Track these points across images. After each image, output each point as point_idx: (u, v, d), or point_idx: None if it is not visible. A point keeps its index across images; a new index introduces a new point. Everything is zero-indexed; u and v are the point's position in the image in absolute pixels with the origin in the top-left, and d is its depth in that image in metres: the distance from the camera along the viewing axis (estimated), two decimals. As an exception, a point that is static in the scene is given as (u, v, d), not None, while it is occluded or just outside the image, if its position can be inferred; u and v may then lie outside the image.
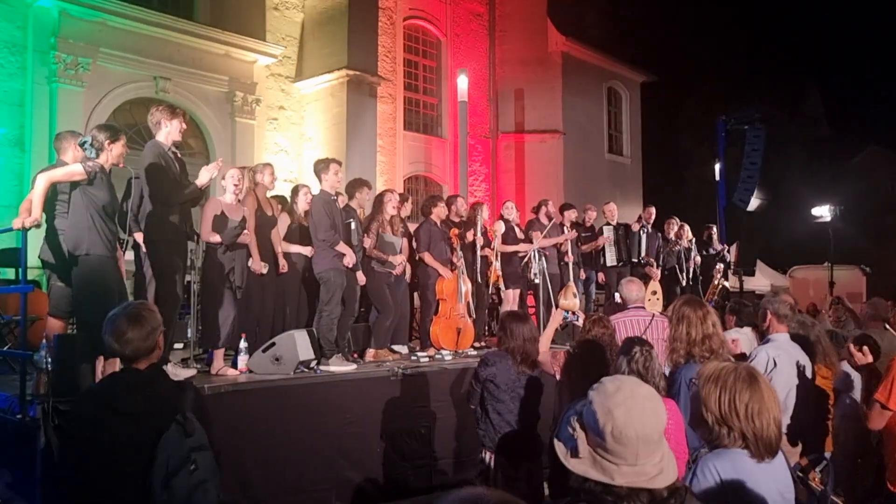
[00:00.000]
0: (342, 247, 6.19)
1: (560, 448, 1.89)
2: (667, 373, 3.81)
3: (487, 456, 4.15)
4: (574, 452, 1.84)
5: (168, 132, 5.18)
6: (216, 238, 5.55)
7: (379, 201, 7.13)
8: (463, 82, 13.79)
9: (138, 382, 2.62)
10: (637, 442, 1.76)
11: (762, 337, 4.69)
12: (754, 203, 13.51)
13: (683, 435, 3.18)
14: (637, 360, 3.24)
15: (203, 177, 5.18)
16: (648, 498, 1.77)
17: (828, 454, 4.68)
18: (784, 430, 4.08)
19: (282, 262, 6.36)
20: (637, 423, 1.77)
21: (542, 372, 4.23)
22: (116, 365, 4.68)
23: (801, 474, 2.90)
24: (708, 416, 2.17)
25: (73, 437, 2.66)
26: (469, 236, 7.78)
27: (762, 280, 18.36)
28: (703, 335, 3.70)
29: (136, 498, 2.48)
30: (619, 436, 1.76)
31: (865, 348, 3.92)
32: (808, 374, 4.40)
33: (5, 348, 6.18)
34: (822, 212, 16.53)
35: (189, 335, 6.34)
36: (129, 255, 6.02)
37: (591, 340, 4.13)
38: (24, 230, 4.34)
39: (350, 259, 6.23)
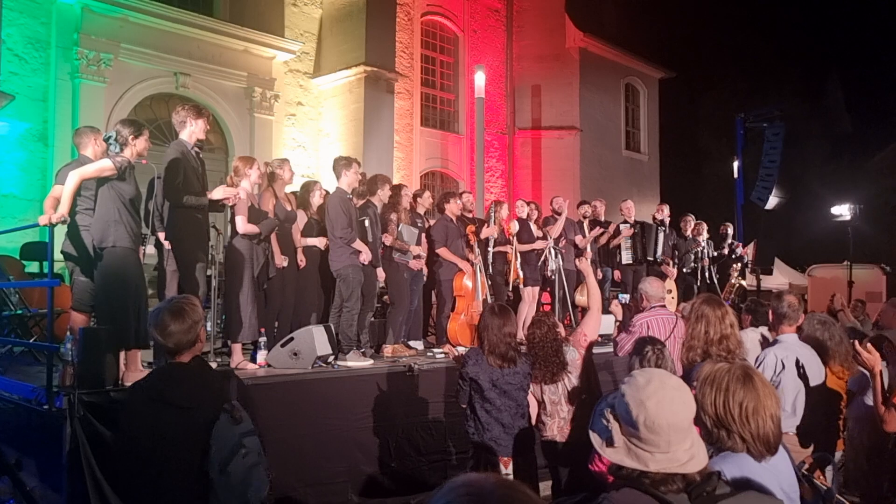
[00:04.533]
0: (358, 244, 6.27)
1: (595, 438, 1.99)
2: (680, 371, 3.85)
3: (476, 454, 4.16)
4: (609, 442, 1.94)
5: (192, 131, 5.26)
6: (255, 229, 5.63)
7: (395, 194, 7.20)
8: (480, 79, 13.80)
9: (185, 375, 2.74)
10: (669, 430, 1.86)
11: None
12: (773, 201, 13.41)
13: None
14: (649, 358, 3.29)
15: (217, 193, 5.30)
16: (683, 483, 1.86)
17: (839, 453, 4.69)
18: (794, 431, 4.11)
19: (300, 257, 6.44)
20: (668, 412, 1.87)
21: (525, 365, 4.21)
22: (138, 357, 4.82)
23: (806, 472, 2.92)
24: (706, 419, 2.19)
25: (128, 430, 2.79)
26: (486, 231, 7.83)
27: (780, 279, 18.21)
28: (720, 335, 3.72)
29: (193, 483, 2.62)
30: (652, 425, 1.85)
31: (871, 347, 3.90)
32: (819, 374, 4.39)
33: (31, 340, 6.31)
34: (842, 210, 16.33)
35: (209, 328, 6.44)
36: (150, 249, 6.14)
37: (530, 344, 4.26)
38: (51, 226, 4.44)
39: (366, 256, 6.31)
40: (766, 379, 2.24)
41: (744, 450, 2.16)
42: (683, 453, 1.88)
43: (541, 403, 4.34)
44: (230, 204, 5.43)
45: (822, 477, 2.94)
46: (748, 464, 2.15)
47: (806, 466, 3.06)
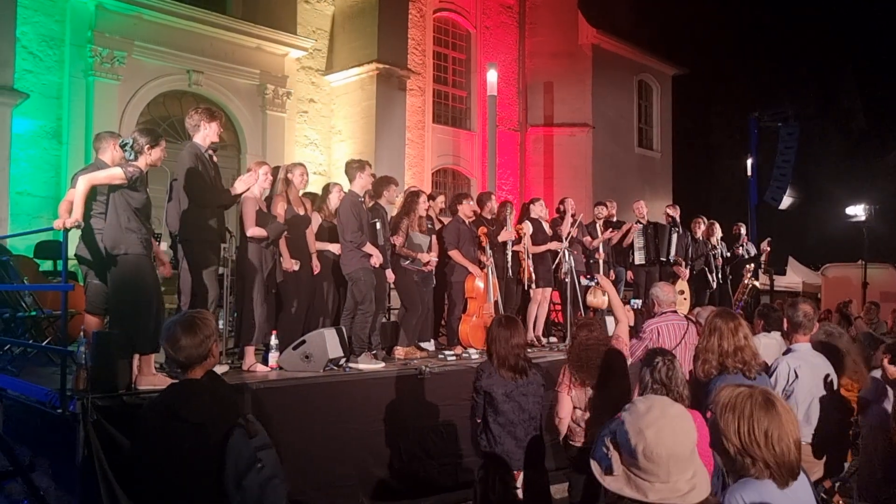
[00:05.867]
0: (369, 247, 6.25)
1: (595, 467, 1.98)
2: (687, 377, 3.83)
3: (486, 466, 4.13)
4: (608, 470, 1.93)
5: (206, 134, 5.29)
6: (262, 233, 5.64)
7: (412, 200, 7.18)
8: (492, 76, 13.75)
9: (198, 391, 2.75)
10: (668, 460, 1.85)
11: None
12: (786, 201, 13.32)
13: (709, 446, 3.19)
14: (660, 370, 3.25)
15: (239, 187, 5.33)
16: None
17: (847, 463, 4.67)
18: (809, 440, 4.09)
19: (315, 262, 6.43)
20: (668, 441, 1.85)
21: (537, 376, 4.16)
22: (151, 361, 4.84)
23: (824, 496, 2.90)
24: (729, 447, 2.14)
25: (144, 446, 2.81)
26: (504, 235, 7.80)
27: (794, 278, 18.08)
28: (734, 347, 3.72)
29: (208, 499, 2.63)
30: (651, 454, 1.84)
31: None
32: (832, 383, 4.36)
33: (45, 342, 6.35)
34: (857, 211, 16.17)
35: (221, 326, 6.44)
36: (163, 246, 6.17)
37: (581, 347, 4.17)
38: (65, 230, 4.47)
39: (377, 259, 6.30)
40: (786, 404, 2.20)
41: (767, 476, 2.12)
42: (684, 483, 1.86)
43: (579, 408, 4.22)
44: (250, 187, 5.45)
45: (840, 502, 2.92)
46: (770, 491, 2.12)
47: (825, 490, 3.04)
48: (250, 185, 5.40)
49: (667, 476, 1.84)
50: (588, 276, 8.44)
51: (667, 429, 1.86)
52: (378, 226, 6.52)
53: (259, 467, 2.65)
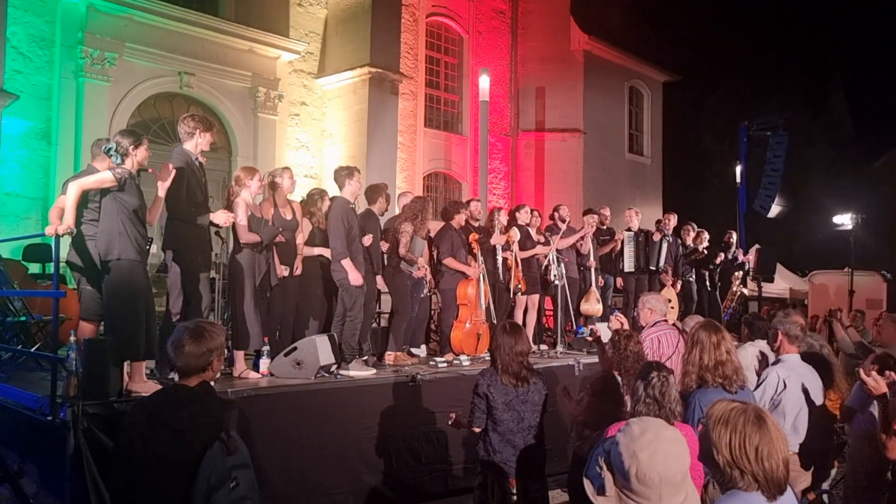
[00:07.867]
0: (346, 262, 6.19)
1: (588, 486, 2.00)
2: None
3: (484, 473, 4.15)
4: (601, 490, 1.96)
5: (199, 142, 5.30)
6: (255, 238, 5.63)
7: (423, 208, 7.21)
8: (485, 82, 13.78)
9: (187, 399, 2.73)
10: (660, 484, 1.87)
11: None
12: (775, 210, 13.41)
13: (697, 458, 3.21)
14: (654, 385, 3.23)
15: (219, 218, 5.37)
16: None
17: (834, 470, 4.72)
18: (796, 450, 4.13)
19: (297, 264, 6.37)
20: (661, 465, 1.88)
21: (539, 384, 4.15)
22: (143, 368, 4.82)
23: (808, 508, 2.93)
24: (719, 459, 2.15)
25: (122, 444, 2.80)
26: (496, 238, 7.83)
27: (781, 284, 18.19)
28: (715, 361, 3.70)
29: None
30: (643, 478, 1.87)
31: (875, 375, 3.88)
32: (820, 394, 4.40)
33: (34, 347, 6.31)
34: (844, 220, 16.30)
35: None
36: (154, 248, 6.14)
37: (634, 358, 4.09)
38: (57, 237, 4.45)
39: (354, 278, 6.19)
40: (776, 422, 2.23)
41: (755, 489, 2.15)
42: None
43: None
44: (226, 225, 5.52)
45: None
46: (758, 503, 2.15)
47: (808, 502, 3.07)
48: (227, 223, 5.47)
49: (658, 500, 1.86)
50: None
51: (660, 453, 1.89)
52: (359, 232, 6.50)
53: (232, 486, 2.62)
